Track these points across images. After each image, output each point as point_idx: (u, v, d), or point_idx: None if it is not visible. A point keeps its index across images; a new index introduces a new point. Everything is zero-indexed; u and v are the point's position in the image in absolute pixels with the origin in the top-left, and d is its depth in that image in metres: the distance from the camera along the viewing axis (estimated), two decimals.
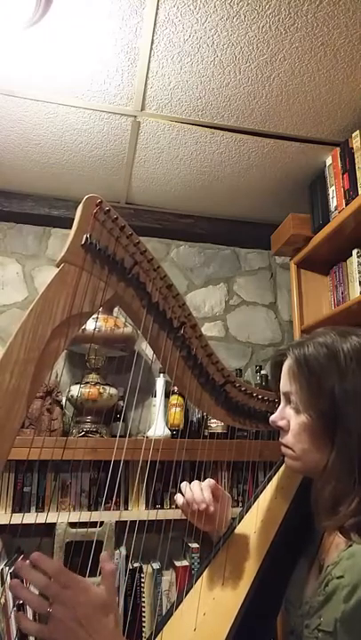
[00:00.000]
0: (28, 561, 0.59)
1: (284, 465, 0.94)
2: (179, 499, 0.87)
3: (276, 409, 0.83)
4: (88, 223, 0.69)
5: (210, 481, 0.88)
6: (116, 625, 0.60)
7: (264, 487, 0.93)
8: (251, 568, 0.77)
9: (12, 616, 1.42)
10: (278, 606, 0.81)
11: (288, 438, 0.77)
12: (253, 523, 0.86)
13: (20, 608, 1.44)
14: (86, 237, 0.67)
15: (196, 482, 0.88)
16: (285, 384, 0.78)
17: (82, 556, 1.54)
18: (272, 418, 0.80)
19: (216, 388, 0.82)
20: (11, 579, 1.45)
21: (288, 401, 0.78)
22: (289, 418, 0.77)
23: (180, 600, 0.80)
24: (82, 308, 0.66)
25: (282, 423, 0.78)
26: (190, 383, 0.80)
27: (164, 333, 0.76)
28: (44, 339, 0.62)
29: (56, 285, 0.65)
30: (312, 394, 0.72)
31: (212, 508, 0.84)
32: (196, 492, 0.85)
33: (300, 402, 0.74)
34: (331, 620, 0.62)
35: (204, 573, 0.83)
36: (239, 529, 0.88)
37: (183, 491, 0.87)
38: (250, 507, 0.91)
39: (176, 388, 1.90)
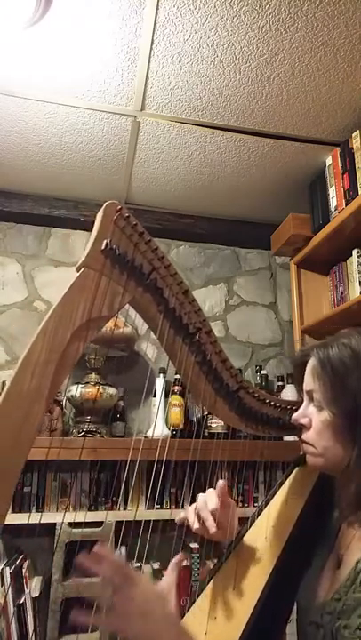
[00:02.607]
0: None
1: (296, 470, 0.94)
2: (191, 518, 0.83)
3: (289, 415, 0.83)
4: (108, 229, 0.70)
5: (220, 484, 0.84)
6: (172, 613, 0.66)
7: (275, 492, 0.93)
8: (263, 572, 0.77)
9: (13, 619, 1.42)
10: (290, 609, 0.81)
11: (310, 435, 0.77)
12: (265, 528, 0.86)
13: (20, 608, 1.44)
14: (106, 243, 0.68)
15: (201, 496, 0.84)
16: (309, 383, 0.79)
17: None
18: (294, 415, 0.80)
19: (230, 393, 0.83)
20: (11, 578, 1.45)
21: (311, 399, 0.79)
22: (311, 416, 0.78)
23: (190, 603, 0.80)
24: (101, 312, 0.67)
25: (304, 421, 0.79)
26: (205, 388, 0.80)
27: (180, 339, 0.77)
28: (64, 341, 0.63)
29: (76, 289, 0.66)
30: (335, 391, 0.73)
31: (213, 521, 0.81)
32: (203, 506, 0.82)
33: (323, 399, 0.75)
34: None
35: (215, 577, 0.83)
36: (251, 533, 0.88)
37: (192, 519, 0.83)
38: (261, 511, 0.91)
39: (176, 388, 1.90)
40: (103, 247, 0.68)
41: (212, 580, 0.82)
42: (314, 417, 0.77)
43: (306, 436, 0.78)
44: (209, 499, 0.82)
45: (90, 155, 1.78)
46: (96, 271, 0.67)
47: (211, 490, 0.85)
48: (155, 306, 0.74)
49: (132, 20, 1.23)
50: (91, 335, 0.66)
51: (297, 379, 0.86)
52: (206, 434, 1.85)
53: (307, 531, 0.83)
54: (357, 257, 1.70)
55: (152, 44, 1.30)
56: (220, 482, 0.85)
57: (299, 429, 0.80)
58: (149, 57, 1.34)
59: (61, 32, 1.26)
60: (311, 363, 0.79)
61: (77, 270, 0.68)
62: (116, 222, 0.70)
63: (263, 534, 0.85)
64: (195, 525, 0.82)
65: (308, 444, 0.78)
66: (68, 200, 2.06)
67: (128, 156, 1.78)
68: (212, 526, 0.79)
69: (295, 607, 0.83)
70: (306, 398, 0.80)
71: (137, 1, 1.18)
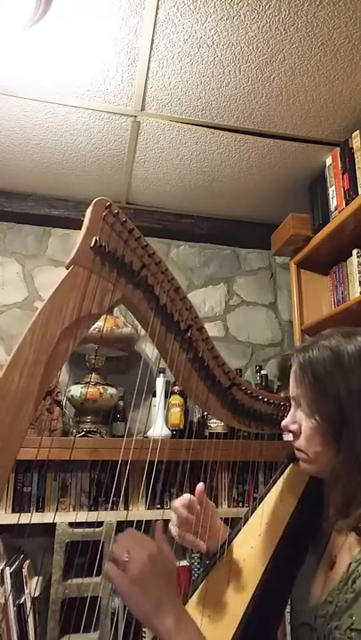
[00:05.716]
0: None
1: (290, 466, 0.94)
2: (174, 530, 0.85)
3: (282, 412, 0.83)
4: (97, 226, 0.69)
5: (199, 487, 0.86)
6: (175, 593, 0.65)
7: (269, 489, 0.93)
8: (256, 571, 0.77)
9: (13, 619, 1.42)
10: (283, 608, 0.81)
11: (301, 442, 0.76)
12: (258, 525, 0.86)
13: (20, 608, 1.44)
14: (95, 240, 0.67)
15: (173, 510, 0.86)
16: (293, 388, 0.78)
17: (82, 556, 1.55)
18: (284, 422, 0.80)
19: (222, 390, 0.82)
20: (11, 578, 1.45)
21: (298, 405, 0.77)
22: (300, 421, 0.76)
23: (183, 603, 0.80)
24: (90, 310, 0.66)
25: (293, 427, 0.77)
26: (197, 385, 0.79)
27: (172, 336, 0.76)
28: (53, 340, 0.62)
29: (65, 287, 0.65)
30: (318, 397, 0.72)
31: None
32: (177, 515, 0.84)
33: (308, 405, 0.74)
34: None
35: (208, 576, 0.82)
36: (244, 532, 0.87)
37: (174, 528, 0.85)
38: (255, 509, 0.91)
39: (176, 388, 1.90)
40: (92, 244, 0.67)
41: (206, 579, 0.82)
42: (303, 423, 0.76)
43: (297, 442, 0.77)
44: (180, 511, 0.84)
45: (90, 155, 1.78)
46: (85, 268, 0.66)
47: (186, 496, 0.85)
48: (145, 303, 0.73)
49: (132, 19, 1.23)
50: (80, 334, 0.65)
51: (283, 383, 0.84)
52: (206, 434, 1.85)
53: (301, 527, 0.83)
54: (357, 257, 1.70)
55: (152, 44, 1.30)
56: (199, 485, 0.86)
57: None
58: (149, 57, 1.34)
59: (61, 32, 1.26)
60: (293, 367, 0.78)
61: (66, 268, 0.67)
62: (105, 219, 0.69)
63: (257, 531, 0.84)
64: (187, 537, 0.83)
65: (299, 450, 0.77)
66: (68, 200, 2.06)
67: (128, 156, 1.78)
68: (198, 541, 0.81)
69: (289, 607, 0.83)
70: (293, 404, 0.79)
71: (137, 1, 1.18)
